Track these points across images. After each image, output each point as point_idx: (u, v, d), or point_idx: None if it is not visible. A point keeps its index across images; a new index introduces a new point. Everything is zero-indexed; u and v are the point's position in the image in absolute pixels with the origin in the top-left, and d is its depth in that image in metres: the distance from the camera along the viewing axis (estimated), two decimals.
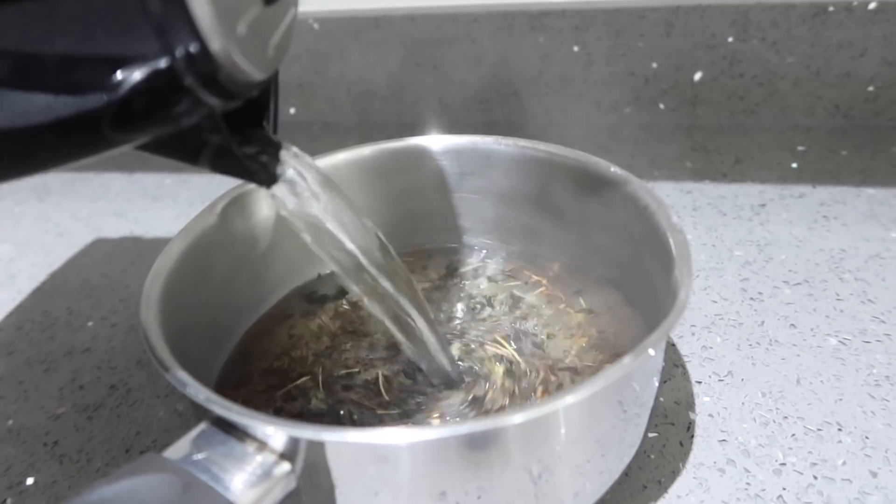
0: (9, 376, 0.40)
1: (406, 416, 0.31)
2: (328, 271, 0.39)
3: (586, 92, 0.60)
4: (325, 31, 0.62)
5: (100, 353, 0.41)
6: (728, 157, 0.54)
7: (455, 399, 0.32)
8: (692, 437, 0.32)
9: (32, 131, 0.18)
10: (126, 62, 0.18)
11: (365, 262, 0.28)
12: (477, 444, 0.24)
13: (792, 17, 0.54)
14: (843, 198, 0.48)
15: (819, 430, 0.32)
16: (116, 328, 0.43)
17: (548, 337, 0.34)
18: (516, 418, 0.23)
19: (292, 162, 0.26)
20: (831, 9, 0.53)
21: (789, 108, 0.57)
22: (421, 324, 0.30)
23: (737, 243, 0.44)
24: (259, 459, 0.23)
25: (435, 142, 0.38)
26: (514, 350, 0.34)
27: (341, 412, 0.31)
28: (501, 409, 0.31)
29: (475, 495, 0.24)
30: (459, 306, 0.37)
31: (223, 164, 0.24)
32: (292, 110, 0.67)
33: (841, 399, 0.33)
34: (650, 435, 0.32)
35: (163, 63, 0.18)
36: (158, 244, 0.32)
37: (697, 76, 0.58)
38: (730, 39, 0.56)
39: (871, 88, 0.55)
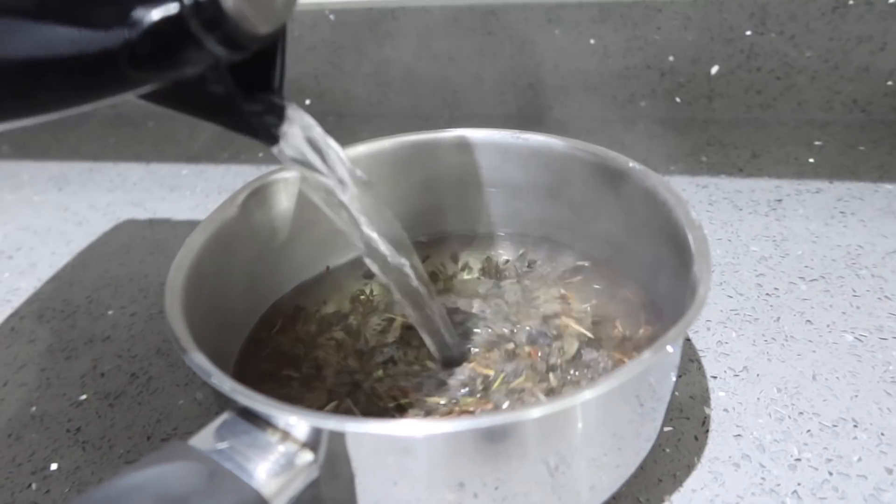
0: (31, 364, 0.41)
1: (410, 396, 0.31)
2: (339, 262, 0.40)
3: (602, 85, 0.60)
4: (341, 23, 0.62)
5: (120, 342, 0.42)
6: (744, 151, 0.54)
7: (452, 379, 0.32)
8: (707, 431, 0.32)
9: (35, 65, 0.18)
10: (133, 2, 0.18)
11: (376, 237, 0.28)
12: (495, 437, 0.24)
13: (811, 10, 0.53)
14: (861, 193, 0.47)
15: (834, 426, 0.32)
16: (136, 317, 0.44)
17: (557, 327, 0.34)
18: (534, 413, 0.23)
19: (297, 122, 0.26)
20: (851, 2, 0.52)
21: (807, 102, 0.57)
22: (428, 301, 0.30)
23: (753, 238, 0.44)
24: (282, 449, 0.23)
25: (452, 135, 0.38)
26: (521, 336, 0.34)
27: (352, 396, 0.32)
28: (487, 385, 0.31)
29: (493, 486, 0.25)
30: (472, 295, 0.37)
31: (227, 118, 0.24)
32: (308, 101, 0.67)
33: (857, 395, 0.33)
34: (665, 429, 0.32)
35: (170, 7, 0.18)
36: (176, 234, 0.32)
37: (714, 70, 0.57)
38: (748, 33, 0.55)
39: (890, 83, 0.55)
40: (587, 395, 0.24)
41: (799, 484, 0.29)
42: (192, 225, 0.33)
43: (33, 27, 0.18)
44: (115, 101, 0.21)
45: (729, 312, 0.39)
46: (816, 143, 0.54)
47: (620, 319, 0.34)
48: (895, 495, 0.29)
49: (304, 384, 0.33)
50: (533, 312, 0.36)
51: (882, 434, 0.31)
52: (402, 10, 0.61)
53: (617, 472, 0.28)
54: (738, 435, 0.32)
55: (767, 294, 0.40)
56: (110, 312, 0.44)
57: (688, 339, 0.37)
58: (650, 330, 0.33)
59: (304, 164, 0.27)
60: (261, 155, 0.61)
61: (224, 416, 0.24)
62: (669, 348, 0.25)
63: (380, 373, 0.33)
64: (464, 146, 0.38)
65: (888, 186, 0.48)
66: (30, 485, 0.34)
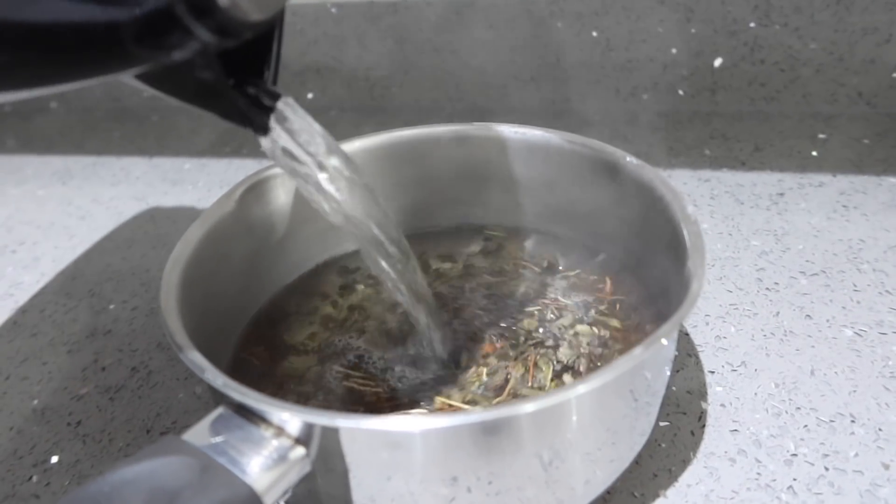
0: (33, 357, 0.41)
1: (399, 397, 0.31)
2: (336, 257, 0.40)
3: (604, 78, 0.60)
4: (343, 16, 0.62)
5: (121, 336, 0.42)
6: (747, 144, 0.53)
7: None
8: (703, 426, 0.32)
9: (13, 41, 0.18)
10: None
11: (375, 229, 0.28)
12: (489, 431, 0.24)
13: (815, 1, 0.53)
14: (864, 187, 0.47)
15: (832, 421, 0.32)
16: (137, 311, 0.44)
17: (553, 321, 0.34)
18: (528, 407, 0.24)
19: (290, 115, 0.26)
20: None
21: (811, 95, 0.56)
22: (423, 295, 0.30)
23: (754, 233, 0.44)
24: (275, 444, 0.24)
25: (449, 130, 0.38)
26: (518, 331, 0.34)
27: (343, 391, 0.32)
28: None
29: (486, 481, 0.25)
30: (466, 289, 0.37)
31: (217, 105, 0.24)
32: (310, 95, 0.67)
33: (855, 391, 0.33)
34: (662, 424, 0.32)
35: None
36: (178, 228, 0.32)
37: (717, 62, 0.57)
38: (751, 25, 0.55)
39: (895, 75, 0.54)
40: (580, 389, 0.24)
41: (795, 479, 0.29)
42: (194, 219, 0.33)
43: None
44: (102, 80, 0.20)
45: (728, 307, 0.38)
46: (820, 136, 0.54)
47: (618, 313, 0.34)
48: (892, 491, 0.28)
49: (300, 379, 0.33)
50: (529, 306, 0.36)
51: (880, 429, 0.31)
52: (403, 3, 0.60)
53: (611, 467, 0.28)
54: (735, 430, 0.32)
55: (767, 289, 0.39)
56: (112, 306, 0.45)
57: (686, 334, 0.37)
58: (646, 324, 0.33)
59: (294, 156, 0.26)
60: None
61: (218, 411, 0.25)
62: (663, 341, 0.25)
63: (373, 369, 0.33)
64: (461, 141, 0.38)
65: (892, 180, 0.47)
66: (31, 477, 0.34)
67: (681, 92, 0.59)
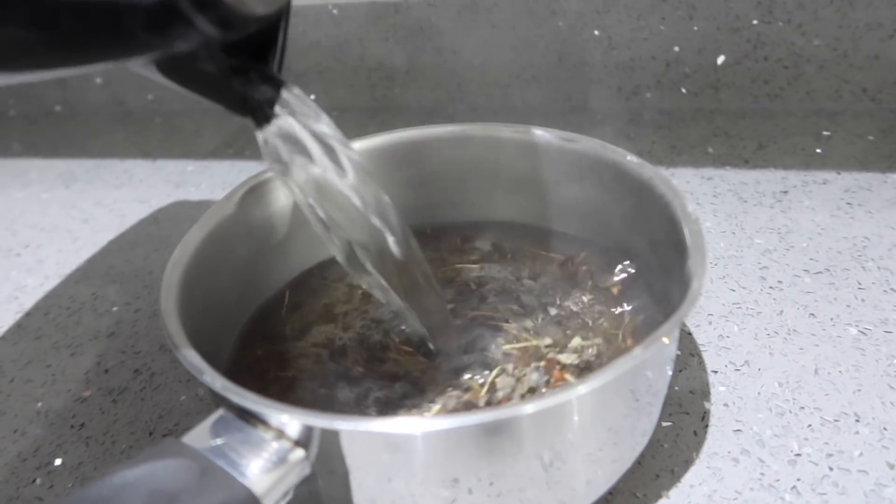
0: (37, 360, 0.41)
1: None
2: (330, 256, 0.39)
3: (607, 77, 0.59)
4: (344, 17, 0.62)
5: (124, 338, 0.42)
6: (751, 142, 0.53)
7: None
8: (706, 426, 0.32)
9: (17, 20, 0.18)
10: None
11: (377, 223, 0.28)
12: (489, 432, 0.24)
13: None
14: (869, 184, 0.47)
15: (836, 420, 0.31)
16: (140, 313, 0.44)
17: (557, 320, 0.34)
18: (529, 408, 0.23)
19: (296, 103, 0.25)
20: None
21: (815, 91, 0.56)
22: (427, 291, 0.30)
23: (757, 231, 0.44)
24: (275, 446, 0.24)
25: (449, 130, 0.38)
26: (521, 328, 0.34)
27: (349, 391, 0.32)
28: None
29: (487, 482, 0.25)
30: (469, 289, 0.37)
31: (220, 93, 0.24)
32: (312, 96, 0.67)
33: (859, 390, 0.33)
34: (664, 424, 0.32)
35: None
36: (181, 230, 0.32)
37: (720, 60, 0.57)
38: (754, 22, 0.55)
39: None
40: (581, 389, 0.24)
41: (799, 479, 0.29)
42: (197, 221, 0.33)
43: None
44: (106, 67, 0.20)
45: (731, 306, 0.38)
46: (825, 133, 0.53)
47: (621, 312, 0.34)
48: None
49: (299, 381, 0.33)
50: (535, 304, 0.35)
51: (884, 429, 0.31)
52: (404, 3, 0.60)
53: (613, 468, 0.28)
54: (738, 430, 0.31)
55: (771, 287, 0.39)
56: (115, 309, 0.45)
57: (689, 334, 0.37)
58: (648, 323, 0.33)
59: (301, 144, 0.26)
60: None
61: (218, 414, 0.25)
62: (665, 340, 0.25)
63: (376, 367, 0.33)
64: (462, 141, 0.38)
65: None
66: (34, 480, 0.34)
67: (683, 90, 0.58)
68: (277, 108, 0.25)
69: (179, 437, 0.23)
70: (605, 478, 0.28)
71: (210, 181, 0.58)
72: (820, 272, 0.40)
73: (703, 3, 0.55)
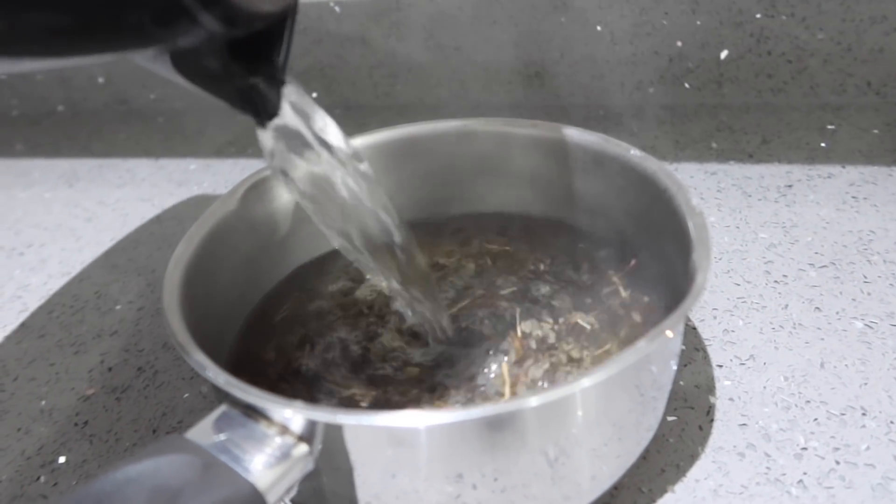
0: (40, 358, 0.41)
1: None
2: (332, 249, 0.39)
3: (609, 72, 0.59)
4: (346, 15, 0.62)
5: (127, 336, 0.42)
6: (755, 136, 0.53)
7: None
8: (712, 421, 0.32)
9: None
10: None
11: (381, 215, 0.28)
12: (493, 426, 0.24)
13: None
14: (874, 178, 0.46)
15: (842, 414, 0.31)
16: (143, 311, 0.44)
17: (559, 311, 0.34)
18: (532, 401, 0.23)
19: (299, 101, 0.25)
20: None
21: (819, 85, 0.56)
22: (424, 286, 0.30)
23: (762, 225, 0.43)
24: (278, 441, 0.23)
25: (452, 126, 0.38)
26: (522, 320, 0.34)
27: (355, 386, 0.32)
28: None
29: (492, 477, 0.25)
30: (469, 283, 0.37)
31: (221, 90, 0.24)
32: (314, 94, 0.67)
33: (866, 383, 0.32)
34: (669, 419, 0.32)
35: None
36: (183, 229, 0.32)
37: (724, 54, 0.56)
38: (757, 16, 0.54)
39: None
40: (584, 382, 0.23)
41: (805, 473, 0.29)
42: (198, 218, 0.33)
43: None
44: (106, 59, 0.20)
45: (736, 300, 0.38)
46: (829, 126, 0.53)
47: (625, 305, 0.34)
48: None
49: (303, 376, 0.33)
50: (538, 296, 0.35)
51: (891, 422, 0.30)
52: (406, 0, 0.60)
53: (618, 462, 0.28)
54: (744, 424, 0.31)
55: (776, 281, 0.39)
56: (118, 307, 0.45)
57: (693, 328, 0.36)
58: (653, 317, 0.32)
59: (304, 140, 0.26)
60: None
61: (221, 409, 0.25)
62: (669, 333, 0.25)
63: (381, 362, 0.33)
64: (465, 136, 0.38)
65: None
66: (38, 477, 0.34)
67: (687, 85, 0.58)
68: (280, 106, 0.25)
69: (183, 433, 0.23)
70: (610, 473, 0.27)
71: (213, 180, 0.58)
72: (825, 266, 0.40)
73: None
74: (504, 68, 0.61)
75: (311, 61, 0.65)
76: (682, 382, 0.34)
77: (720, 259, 0.41)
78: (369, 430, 0.24)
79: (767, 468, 0.29)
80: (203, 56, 0.22)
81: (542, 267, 0.38)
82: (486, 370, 0.32)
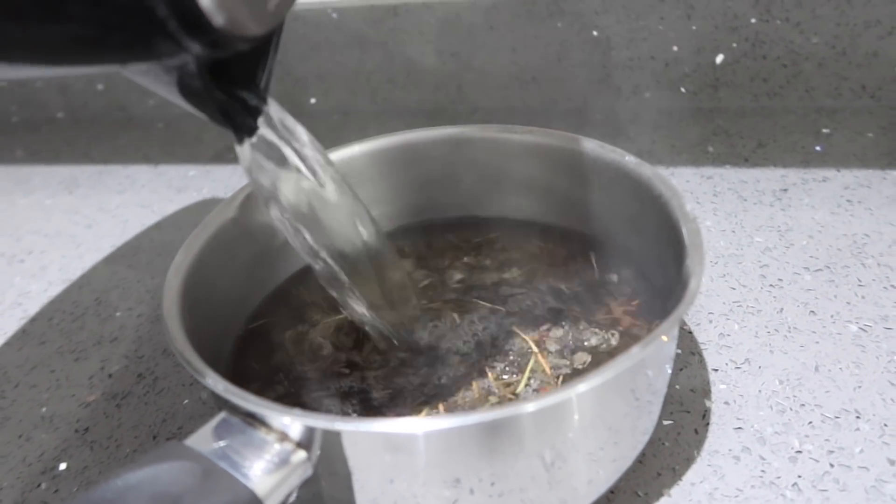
0: (41, 365, 0.42)
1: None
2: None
3: (606, 77, 0.60)
4: (344, 21, 0.62)
5: (127, 343, 0.42)
6: (750, 140, 0.53)
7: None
8: (707, 424, 0.32)
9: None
10: None
11: (359, 228, 0.28)
12: (490, 431, 0.24)
13: None
14: (869, 181, 0.47)
15: (837, 417, 0.31)
16: (143, 318, 0.44)
17: (552, 316, 0.34)
18: (528, 406, 0.24)
19: (278, 118, 0.26)
20: None
21: (814, 89, 0.56)
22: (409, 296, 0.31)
23: (757, 229, 0.44)
24: (276, 448, 0.24)
25: (447, 133, 0.39)
26: (515, 323, 0.34)
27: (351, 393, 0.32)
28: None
29: (489, 482, 0.25)
30: (460, 288, 0.37)
31: (201, 104, 0.24)
32: (312, 100, 0.67)
33: (860, 386, 0.33)
34: (665, 423, 0.32)
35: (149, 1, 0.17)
36: (183, 235, 0.33)
37: (719, 59, 0.57)
38: (752, 20, 0.55)
39: None
40: (580, 387, 0.24)
41: (799, 476, 0.29)
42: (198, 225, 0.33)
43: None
44: (85, 71, 0.21)
45: (731, 304, 0.38)
46: (824, 130, 0.53)
47: (620, 310, 0.34)
48: None
49: (301, 383, 0.33)
50: (533, 300, 0.36)
51: (885, 425, 0.31)
52: (403, 6, 0.61)
53: (614, 466, 0.28)
54: (739, 428, 0.32)
55: (771, 285, 0.39)
56: (118, 314, 0.45)
57: (689, 332, 0.37)
58: (648, 323, 0.33)
59: (283, 157, 0.26)
60: None
61: (220, 416, 0.25)
62: (663, 338, 0.25)
63: (379, 368, 0.33)
64: (461, 143, 0.38)
65: None
66: (39, 484, 0.34)
67: (683, 89, 0.59)
68: (259, 122, 0.26)
69: (182, 440, 0.24)
70: (607, 477, 0.28)
71: (212, 186, 0.58)
72: (820, 269, 0.40)
73: (702, 3, 0.55)
74: (501, 73, 0.62)
75: (309, 67, 0.65)
76: (677, 386, 0.34)
77: (716, 263, 0.41)
78: (367, 436, 0.24)
79: (762, 471, 0.30)
80: (184, 72, 0.23)
81: (536, 272, 0.38)
82: (473, 379, 0.32)
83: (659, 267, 0.31)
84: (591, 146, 0.35)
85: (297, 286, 0.39)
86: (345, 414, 0.31)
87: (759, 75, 0.57)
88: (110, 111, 0.74)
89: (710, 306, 0.38)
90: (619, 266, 0.36)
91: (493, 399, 0.31)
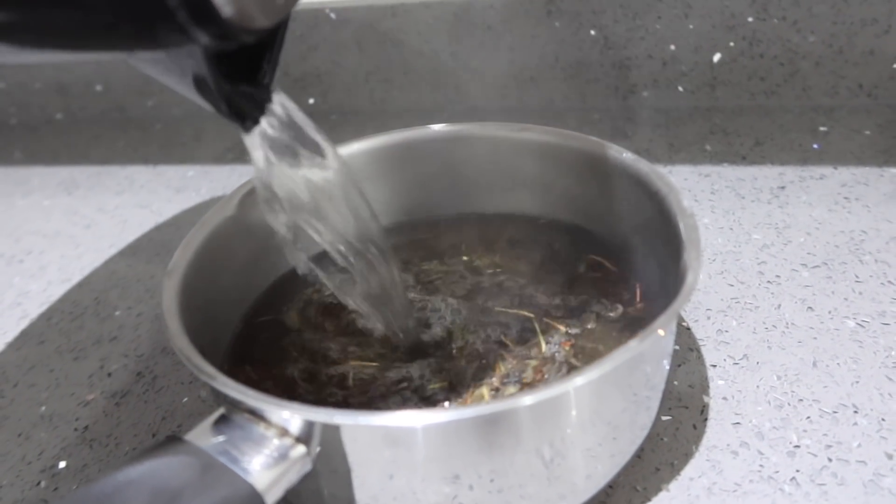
0: (40, 365, 0.42)
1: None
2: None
3: (603, 76, 0.60)
4: (342, 21, 0.63)
5: (126, 342, 0.42)
6: (748, 139, 0.53)
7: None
8: (706, 420, 0.32)
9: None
10: None
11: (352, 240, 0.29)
12: (488, 425, 0.24)
13: None
14: (866, 178, 0.47)
15: (834, 412, 0.31)
16: (142, 317, 0.44)
17: (549, 311, 0.34)
18: (526, 400, 0.24)
19: (284, 111, 0.26)
20: None
21: (811, 88, 0.56)
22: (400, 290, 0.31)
23: (755, 226, 0.44)
24: (276, 442, 0.24)
25: (447, 129, 0.39)
26: (510, 325, 0.34)
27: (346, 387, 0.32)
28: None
29: (488, 478, 0.25)
30: (456, 288, 0.37)
31: (206, 95, 0.24)
32: (311, 100, 0.67)
33: (858, 381, 0.33)
34: (663, 418, 0.32)
35: None
36: (182, 235, 0.33)
37: (716, 57, 0.57)
38: (749, 19, 0.55)
39: (895, 66, 0.54)
40: (577, 381, 0.24)
41: (798, 470, 0.29)
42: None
43: None
44: (87, 58, 0.21)
45: (730, 301, 0.38)
46: (821, 128, 0.53)
47: (617, 305, 0.34)
48: (895, 480, 0.28)
49: (300, 378, 0.33)
50: (532, 296, 0.36)
51: (883, 419, 0.31)
52: (402, 6, 0.61)
53: (612, 461, 0.28)
54: (737, 423, 0.32)
55: (769, 282, 0.39)
56: (117, 313, 0.45)
57: (687, 328, 0.37)
58: (647, 318, 0.33)
59: (290, 150, 0.27)
60: None
61: (219, 412, 0.25)
62: (661, 332, 0.25)
63: (374, 364, 0.33)
64: (459, 140, 0.39)
65: (894, 171, 0.47)
66: (39, 482, 0.34)
67: (680, 88, 0.59)
68: (265, 114, 0.26)
69: (182, 436, 0.24)
70: (605, 472, 0.28)
71: (211, 186, 0.58)
72: (818, 266, 0.40)
73: (699, 2, 0.55)
74: (499, 73, 0.62)
75: (307, 67, 0.66)
76: (676, 382, 0.34)
77: (714, 260, 0.41)
78: (366, 430, 0.24)
79: (761, 466, 0.30)
80: (191, 62, 0.23)
81: (534, 268, 0.38)
82: (472, 375, 0.32)
83: (656, 262, 0.31)
84: (591, 143, 0.35)
85: (295, 283, 0.39)
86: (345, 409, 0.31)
87: (756, 74, 0.57)
88: (109, 112, 0.74)
89: (708, 303, 0.38)
90: (619, 262, 0.36)
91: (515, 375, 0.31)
